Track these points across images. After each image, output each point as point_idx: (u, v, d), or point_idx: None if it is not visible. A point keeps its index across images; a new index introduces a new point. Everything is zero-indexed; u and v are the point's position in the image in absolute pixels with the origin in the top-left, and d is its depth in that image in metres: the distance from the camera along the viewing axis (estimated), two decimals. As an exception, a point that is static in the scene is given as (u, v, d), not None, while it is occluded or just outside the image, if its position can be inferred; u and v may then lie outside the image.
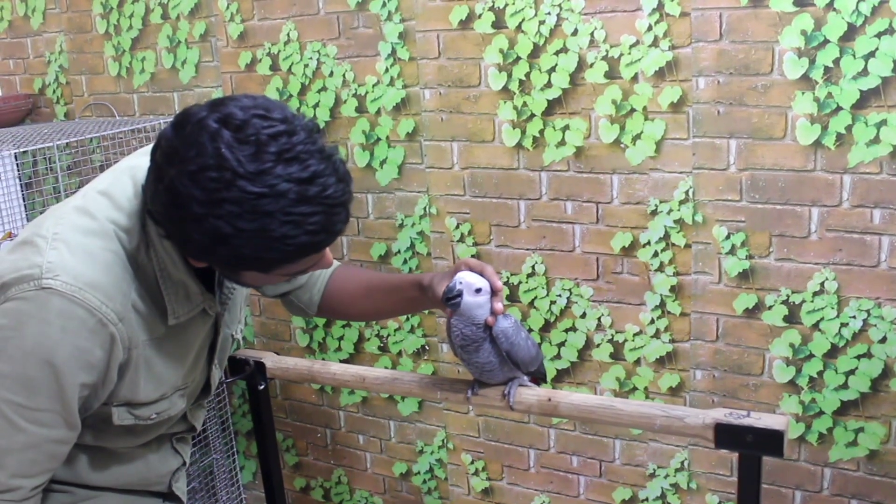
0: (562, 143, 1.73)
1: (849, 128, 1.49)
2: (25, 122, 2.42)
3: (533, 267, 1.83)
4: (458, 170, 1.85)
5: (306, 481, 2.33)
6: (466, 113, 1.81)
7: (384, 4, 1.83)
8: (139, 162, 1.16)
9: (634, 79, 1.63)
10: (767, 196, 1.58)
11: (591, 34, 1.64)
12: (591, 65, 1.66)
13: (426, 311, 1.98)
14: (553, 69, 1.69)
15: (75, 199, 1.19)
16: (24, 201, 2.28)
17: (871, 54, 1.44)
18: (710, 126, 1.59)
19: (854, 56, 1.45)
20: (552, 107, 1.72)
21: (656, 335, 1.74)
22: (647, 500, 1.85)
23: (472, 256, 1.87)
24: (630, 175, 1.68)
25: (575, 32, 1.66)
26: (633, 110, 1.65)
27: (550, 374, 1.85)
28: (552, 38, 1.68)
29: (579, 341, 1.82)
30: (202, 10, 2.06)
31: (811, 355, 1.62)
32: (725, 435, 1.34)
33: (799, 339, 1.62)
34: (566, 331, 1.83)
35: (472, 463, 2.05)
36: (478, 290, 1.32)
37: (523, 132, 1.76)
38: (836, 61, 1.47)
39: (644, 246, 1.71)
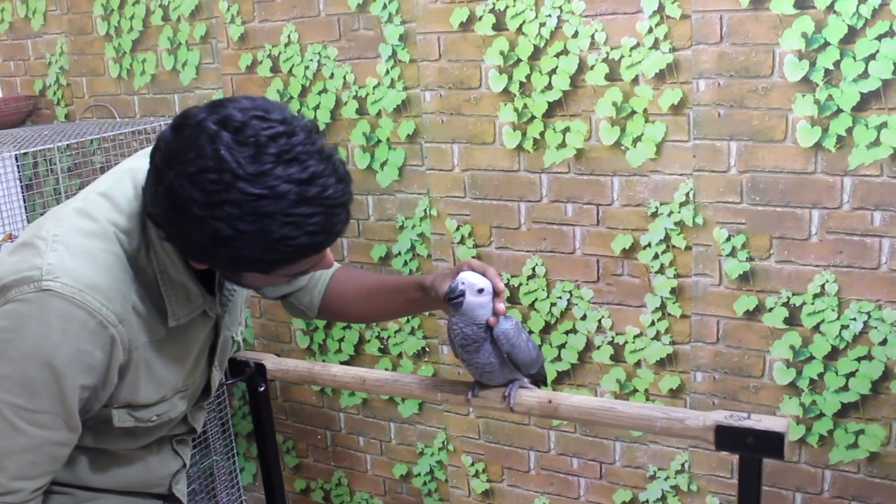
0: (562, 145, 1.73)
1: (849, 130, 1.49)
2: (26, 123, 2.42)
3: (533, 269, 1.83)
4: (459, 172, 1.85)
5: (306, 483, 2.32)
6: (467, 115, 1.81)
7: (385, 6, 1.83)
8: (140, 164, 1.15)
9: (635, 81, 1.63)
10: (768, 198, 1.58)
11: (592, 36, 1.64)
12: (592, 67, 1.66)
13: (427, 313, 1.98)
14: (554, 71, 1.69)
15: (75, 200, 1.19)
16: (24, 203, 2.28)
17: (872, 57, 1.44)
18: (711, 128, 1.59)
19: (854, 58, 1.45)
20: (553, 109, 1.72)
21: (657, 337, 1.74)
22: (647, 501, 1.85)
23: (473, 258, 1.87)
24: (630, 177, 1.68)
25: (575, 34, 1.66)
26: (633, 112, 1.65)
27: (551, 375, 1.85)
28: (553, 40, 1.68)
29: (580, 343, 1.82)
30: (203, 12, 2.07)
31: (812, 357, 1.61)
32: (726, 437, 1.34)
33: (799, 342, 1.62)
34: (566, 333, 1.83)
35: (472, 465, 2.05)
36: (480, 291, 1.32)
37: (524, 134, 1.76)
38: (837, 64, 1.47)
39: (644, 248, 1.71)
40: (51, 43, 2.32)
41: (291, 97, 2.00)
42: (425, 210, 1.92)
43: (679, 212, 1.66)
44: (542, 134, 1.74)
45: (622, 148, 1.68)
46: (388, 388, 1.64)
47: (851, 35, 1.45)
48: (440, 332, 1.98)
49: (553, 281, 1.81)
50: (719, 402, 1.72)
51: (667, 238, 1.68)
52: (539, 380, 1.51)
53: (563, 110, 1.71)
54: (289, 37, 1.97)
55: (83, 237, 1.12)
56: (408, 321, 2.01)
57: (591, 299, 1.78)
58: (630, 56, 1.62)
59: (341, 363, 2.09)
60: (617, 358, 1.79)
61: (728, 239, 1.63)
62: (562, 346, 1.84)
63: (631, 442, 1.83)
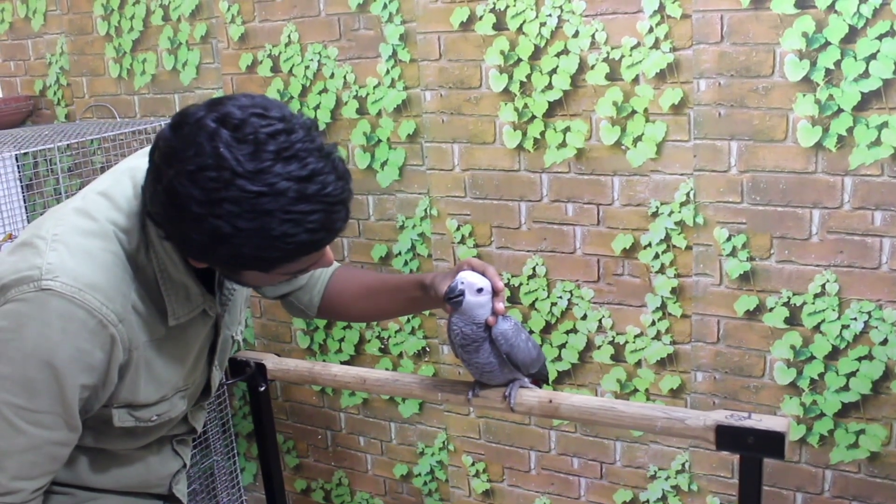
0: (563, 144, 1.72)
1: (850, 130, 1.49)
2: (26, 123, 2.42)
3: (534, 269, 1.82)
4: (459, 171, 1.85)
5: (307, 483, 2.32)
6: (467, 115, 1.81)
7: (385, 6, 1.83)
8: (139, 163, 1.15)
9: (635, 80, 1.63)
10: (768, 198, 1.57)
11: (593, 36, 1.64)
12: (592, 66, 1.66)
13: (427, 313, 1.98)
14: (554, 71, 1.69)
15: (75, 200, 1.19)
16: (24, 203, 2.28)
17: (873, 56, 1.44)
18: (711, 128, 1.59)
19: (855, 58, 1.45)
20: (553, 108, 1.72)
21: (657, 337, 1.74)
22: (647, 501, 1.85)
23: (474, 258, 1.87)
24: (631, 177, 1.68)
25: (576, 34, 1.66)
26: (634, 112, 1.65)
27: (551, 375, 1.85)
28: (553, 39, 1.68)
29: (580, 343, 1.82)
30: (203, 12, 2.07)
31: (812, 357, 1.61)
32: (726, 437, 1.33)
33: (800, 341, 1.62)
34: (567, 332, 1.83)
35: (472, 465, 2.04)
36: (479, 290, 1.32)
37: (524, 134, 1.76)
38: (838, 63, 1.47)
39: (645, 248, 1.71)
40: (51, 43, 2.32)
41: (292, 97, 2.00)
42: (426, 210, 1.92)
43: (679, 211, 1.65)
44: (542, 134, 1.74)
45: (623, 148, 1.67)
46: (389, 388, 1.63)
47: (852, 35, 1.45)
48: (440, 331, 1.98)
49: (553, 281, 1.81)
50: (720, 401, 1.71)
51: (667, 238, 1.68)
52: (540, 379, 1.51)
53: (564, 110, 1.71)
54: (289, 37, 1.97)
55: (83, 236, 1.12)
56: (408, 321, 2.01)
57: (592, 299, 1.78)
58: (630, 56, 1.62)
59: (342, 363, 2.08)
60: (617, 358, 1.79)
61: (728, 239, 1.63)
62: (562, 345, 1.84)
63: (631, 442, 1.83)
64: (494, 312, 1.34)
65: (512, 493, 2.01)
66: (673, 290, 1.70)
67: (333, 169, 1.03)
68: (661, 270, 1.70)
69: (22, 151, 1.93)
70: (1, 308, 1.09)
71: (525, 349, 1.39)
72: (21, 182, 2.32)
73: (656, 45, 1.60)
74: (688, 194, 1.64)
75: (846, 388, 1.60)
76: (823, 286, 1.57)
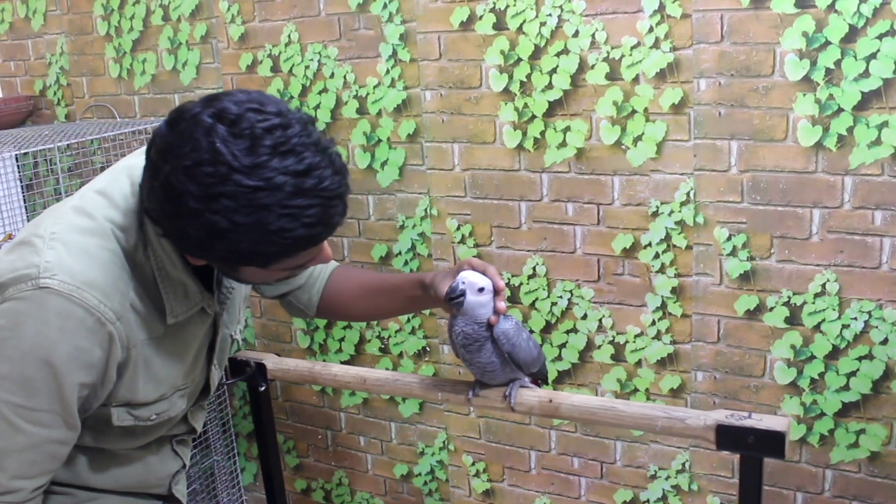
0: (563, 144, 1.72)
1: (850, 129, 1.48)
2: (26, 123, 2.42)
3: (534, 268, 1.82)
4: (459, 171, 1.85)
5: (307, 483, 2.32)
6: (467, 114, 1.81)
7: (385, 6, 1.83)
8: (136, 161, 1.15)
9: (636, 80, 1.63)
10: (769, 197, 1.57)
11: (593, 36, 1.64)
12: (593, 66, 1.66)
13: (427, 312, 1.98)
14: (554, 71, 1.69)
15: (73, 199, 1.19)
16: (24, 203, 2.28)
17: (873, 56, 1.44)
18: (712, 127, 1.59)
19: (855, 58, 1.45)
20: (553, 108, 1.71)
21: (657, 336, 1.74)
22: (648, 501, 1.85)
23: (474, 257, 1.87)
24: (631, 176, 1.68)
25: (576, 34, 1.66)
26: (634, 112, 1.65)
27: (551, 375, 1.85)
28: (553, 39, 1.68)
29: (580, 343, 1.82)
30: (203, 12, 2.07)
31: (812, 357, 1.61)
32: (727, 436, 1.33)
33: (800, 341, 1.61)
34: (567, 332, 1.83)
35: (473, 464, 2.04)
36: (480, 290, 1.32)
37: (524, 133, 1.76)
38: (838, 63, 1.47)
39: (645, 247, 1.70)
40: (51, 43, 2.32)
41: (292, 97, 2.00)
42: (426, 209, 1.91)
43: (680, 211, 1.65)
44: (542, 133, 1.74)
45: (623, 147, 1.67)
46: (389, 388, 1.63)
47: (852, 34, 1.44)
48: (441, 331, 1.98)
49: (554, 280, 1.81)
50: (720, 401, 1.71)
51: (667, 237, 1.68)
52: (540, 379, 1.51)
53: (564, 110, 1.71)
54: (289, 36, 1.97)
55: (80, 235, 1.12)
56: (408, 321, 2.01)
57: (592, 299, 1.78)
58: (631, 55, 1.62)
59: (342, 363, 2.08)
60: (618, 357, 1.79)
61: (729, 238, 1.62)
62: (562, 345, 1.84)
63: (632, 441, 1.83)
64: (496, 312, 1.34)
65: (512, 493, 2.01)
66: (673, 290, 1.70)
67: (330, 163, 1.03)
68: (662, 270, 1.70)
69: (22, 151, 1.93)
70: (-1, 306, 1.09)
71: (526, 348, 1.39)
72: (21, 182, 2.32)
73: (656, 45, 1.60)
74: (688, 194, 1.64)
75: (846, 387, 1.60)
76: (824, 286, 1.57)
